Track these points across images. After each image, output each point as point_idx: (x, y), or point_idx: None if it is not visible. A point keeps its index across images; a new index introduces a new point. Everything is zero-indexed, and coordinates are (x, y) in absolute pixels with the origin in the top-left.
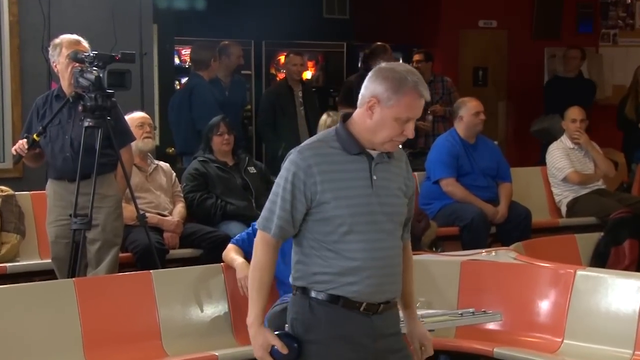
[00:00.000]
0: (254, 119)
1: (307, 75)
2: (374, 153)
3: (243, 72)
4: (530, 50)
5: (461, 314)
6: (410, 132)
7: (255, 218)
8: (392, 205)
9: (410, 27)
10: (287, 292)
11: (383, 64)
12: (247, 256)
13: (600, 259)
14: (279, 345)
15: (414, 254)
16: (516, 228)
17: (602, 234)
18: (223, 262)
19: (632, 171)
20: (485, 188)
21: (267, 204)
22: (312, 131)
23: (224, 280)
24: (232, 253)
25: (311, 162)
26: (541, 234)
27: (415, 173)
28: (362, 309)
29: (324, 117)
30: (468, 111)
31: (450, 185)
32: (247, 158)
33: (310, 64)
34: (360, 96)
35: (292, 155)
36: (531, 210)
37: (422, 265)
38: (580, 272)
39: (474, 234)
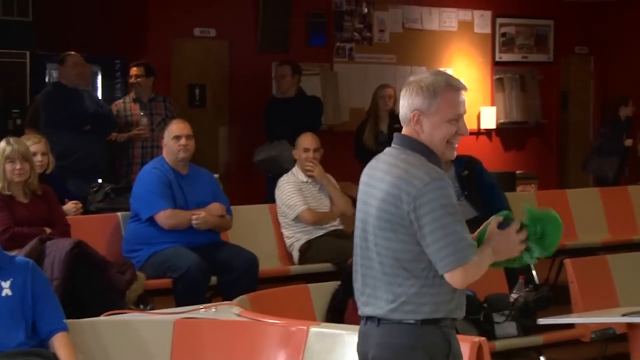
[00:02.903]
0: None
1: None
2: None
3: None
4: (256, 65)
5: None
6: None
7: None
8: None
9: (111, 34)
10: None
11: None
12: None
13: (337, 312)
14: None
15: (117, 313)
16: (241, 278)
17: (339, 282)
18: None
19: None
20: None
21: (445, 239)
22: None
23: None
24: None
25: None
26: (270, 284)
27: (119, 214)
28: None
29: (3, 144)
30: (168, 134)
31: (172, 218)
32: None
33: None
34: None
35: (438, 181)
36: (258, 257)
37: (126, 327)
38: (313, 329)
39: (191, 286)
